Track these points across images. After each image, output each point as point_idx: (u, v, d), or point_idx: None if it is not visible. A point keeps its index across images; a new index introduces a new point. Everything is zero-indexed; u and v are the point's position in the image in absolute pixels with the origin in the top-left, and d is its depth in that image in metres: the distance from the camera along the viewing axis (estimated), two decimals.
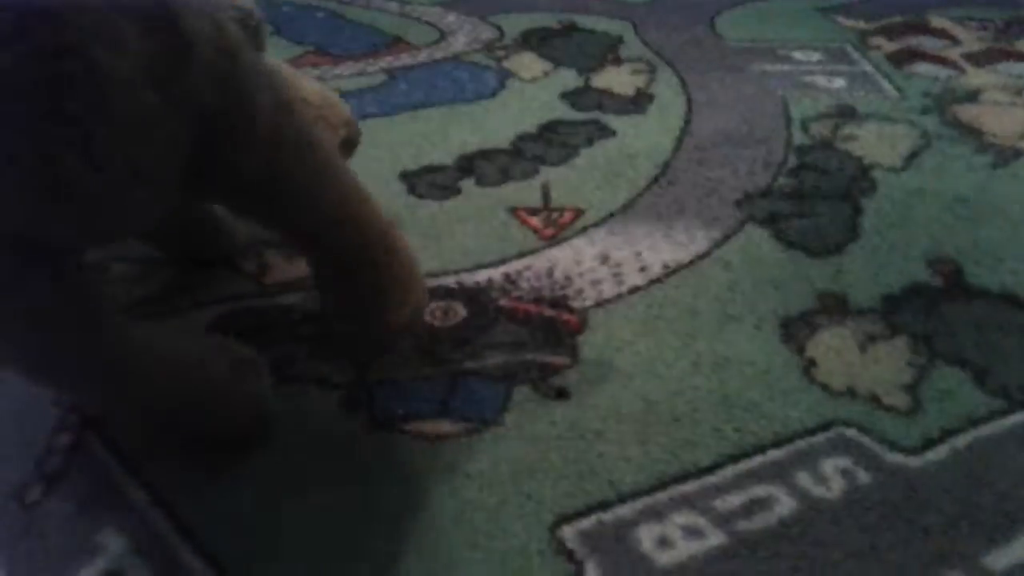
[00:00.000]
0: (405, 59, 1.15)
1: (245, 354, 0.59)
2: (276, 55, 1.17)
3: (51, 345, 0.49)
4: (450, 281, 0.74)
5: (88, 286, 0.50)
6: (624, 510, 0.54)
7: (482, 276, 0.75)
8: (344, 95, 1.04)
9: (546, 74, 1.11)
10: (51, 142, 0.41)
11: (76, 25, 0.40)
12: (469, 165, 0.91)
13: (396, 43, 1.21)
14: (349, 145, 0.75)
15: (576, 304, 0.71)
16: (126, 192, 0.44)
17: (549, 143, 0.95)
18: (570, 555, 0.51)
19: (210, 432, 0.57)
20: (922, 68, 1.13)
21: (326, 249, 0.60)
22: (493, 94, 1.06)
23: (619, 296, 0.72)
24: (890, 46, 1.19)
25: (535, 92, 1.07)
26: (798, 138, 0.96)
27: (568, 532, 0.53)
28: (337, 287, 0.62)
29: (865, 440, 0.59)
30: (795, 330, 0.69)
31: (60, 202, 0.42)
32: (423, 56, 1.16)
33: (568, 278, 0.75)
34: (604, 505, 0.54)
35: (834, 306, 0.71)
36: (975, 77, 1.10)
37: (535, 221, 0.82)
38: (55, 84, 0.40)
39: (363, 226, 0.60)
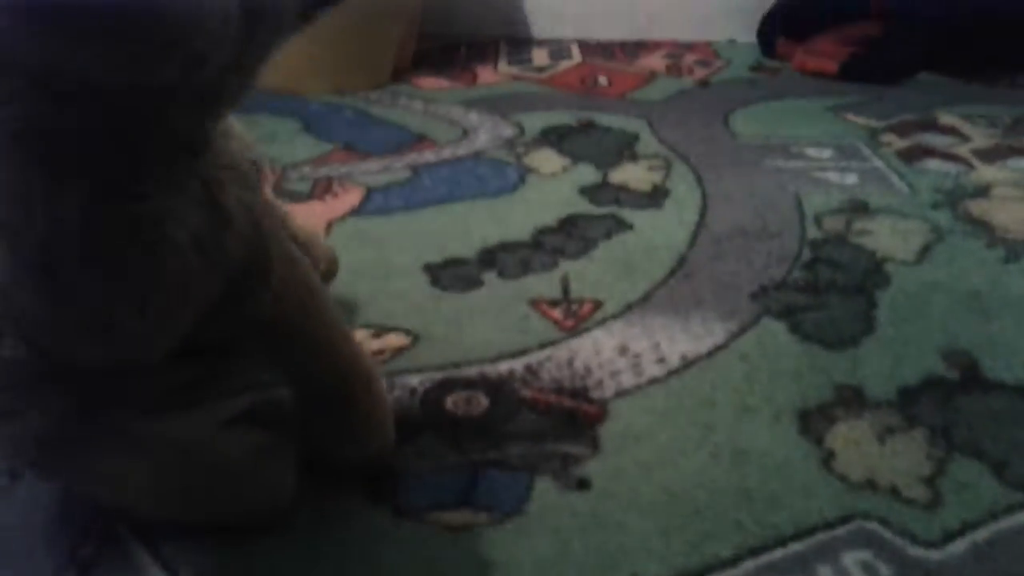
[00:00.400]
0: (429, 156, 1.20)
1: (268, 441, 0.60)
2: (306, 152, 1.21)
3: (62, 455, 0.53)
4: (472, 372, 0.76)
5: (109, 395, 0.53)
6: None
7: (504, 367, 0.76)
8: (371, 190, 1.09)
9: (565, 170, 1.15)
10: (112, 297, 0.46)
11: None
12: (491, 258, 0.94)
13: (420, 141, 1.25)
14: (328, 276, 0.81)
15: (596, 395, 0.73)
16: (160, 338, 0.50)
17: (568, 236, 0.98)
18: None
19: (228, 519, 0.58)
20: (932, 164, 1.16)
21: (311, 380, 0.62)
22: (514, 189, 1.10)
23: (638, 387, 0.74)
24: (900, 143, 1.22)
25: (554, 187, 1.10)
26: (812, 232, 0.98)
27: None
28: (314, 415, 0.63)
29: (886, 533, 0.60)
30: (813, 422, 0.70)
31: (99, 337, 0.48)
32: (446, 153, 1.21)
33: (588, 369, 0.76)
34: None
35: (851, 398, 0.72)
36: (985, 173, 1.13)
37: (555, 313, 0.85)
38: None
39: (348, 362, 0.63)
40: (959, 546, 0.59)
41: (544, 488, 0.63)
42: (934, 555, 0.58)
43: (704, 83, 1.50)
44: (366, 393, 0.63)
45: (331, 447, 0.63)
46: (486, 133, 1.28)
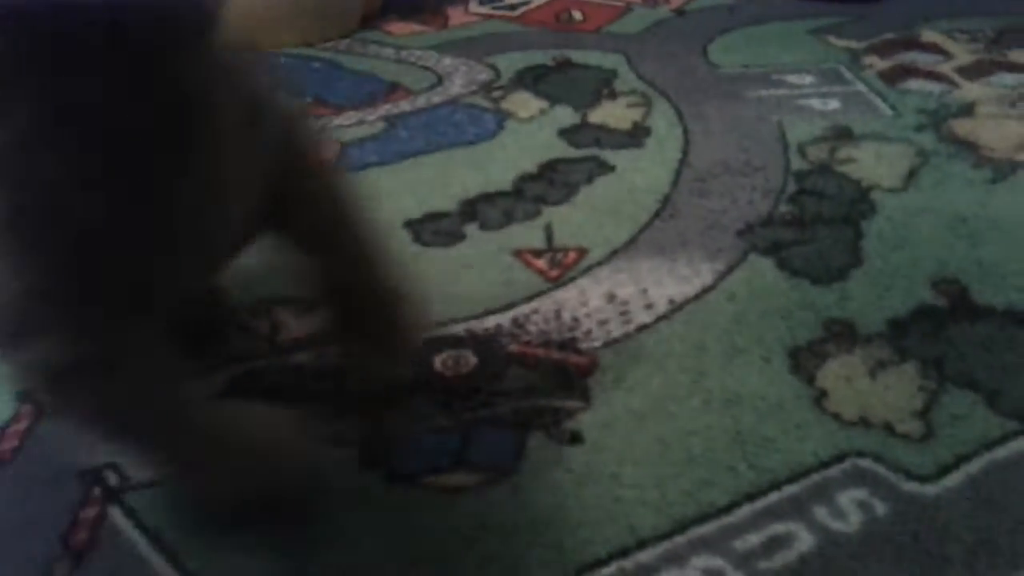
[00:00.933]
0: (404, 106, 1.17)
1: (290, 415, 0.59)
2: None
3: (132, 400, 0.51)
4: (459, 329, 0.75)
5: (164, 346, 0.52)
6: (644, 556, 0.54)
7: (491, 322, 0.75)
8: (345, 146, 1.06)
9: (543, 112, 1.13)
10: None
11: None
12: (472, 210, 0.92)
13: (394, 90, 1.22)
14: None
15: (585, 346, 0.72)
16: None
17: (550, 183, 0.96)
18: None
19: (278, 498, 0.57)
20: (915, 85, 1.14)
21: (346, 294, 0.63)
22: (492, 136, 1.08)
23: (627, 335, 0.73)
24: (882, 64, 1.20)
25: (533, 131, 1.08)
26: (796, 163, 0.97)
27: None
28: (347, 328, 0.64)
29: (880, 470, 0.60)
30: (804, 360, 0.69)
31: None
32: (421, 101, 1.18)
33: (576, 319, 0.75)
34: (624, 552, 0.55)
35: (841, 333, 0.72)
36: (969, 91, 1.11)
37: (540, 263, 0.83)
38: None
39: (383, 278, 0.64)
40: (954, 479, 0.59)
41: (537, 444, 0.63)
42: (929, 489, 0.58)
43: (681, 12, 1.47)
44: (399, 311, 0.64)
45: (359, 363, 0.63)
46: (461, 78, 1.24)
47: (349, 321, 0.65)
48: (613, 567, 0.54)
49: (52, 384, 0.50)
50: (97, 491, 0.60)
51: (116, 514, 0.59)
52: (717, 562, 0.54)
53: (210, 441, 0.54)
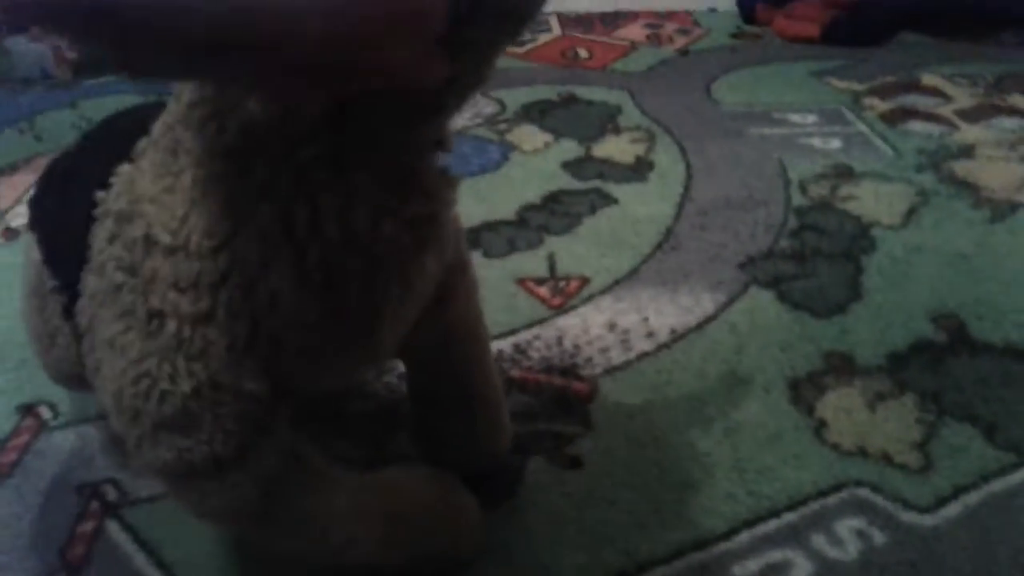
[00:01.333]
0: None
1: (445, 475, 0.57)
2: None
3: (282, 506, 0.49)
4: None
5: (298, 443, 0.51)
6: None
7: (493, 348, 0.76)
8: None
9: (547, 145, 1.14)
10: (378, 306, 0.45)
11: None
12: (476, 237, 0.93)
13: None
14: None
15: (586, 372, 0.73)
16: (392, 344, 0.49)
17: (552, 213, 0.97)
18: None
19: (435, 561, 0.56)
20: (916, 127, 1.15)
21: (456, 389, 0.61)
22: (497, 167, 1.09)
23: (628, 363, 0.74)
24: (883, 106, 1.21)
25: (537, 163, 1.09)
26: (797, 199, 0.98)
27: None
28: (448, 421, 0.62)
29: (878, 500, 0.60)
30: (803, 391, 0.70)
31: (357, 345, 0.47)
32: None
33: (577, 346, 0.76)
34: None
35: (841, 366, 0.72)
36: (968, 133, 1.12)
37: (542, 291, 0.84)
38: None
39: (489, 371, 0.62)
40: (952, 510, 0.59)
41: (537, 468, 0.63)
42: (927, 520, 0.58)
43: (685, 52, 1.49)
44: (498, 402, 0.62)
45: (451, 453, 0.61)
46: (467, 110, 1.26)
47: (449, 413, 0.62)
48: None
49: (185, 480, 0.47)
50: (95, 505, 0.60)
51: (114, 529, 0.59)
52: None
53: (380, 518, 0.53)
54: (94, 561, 0.56)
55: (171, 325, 0.43)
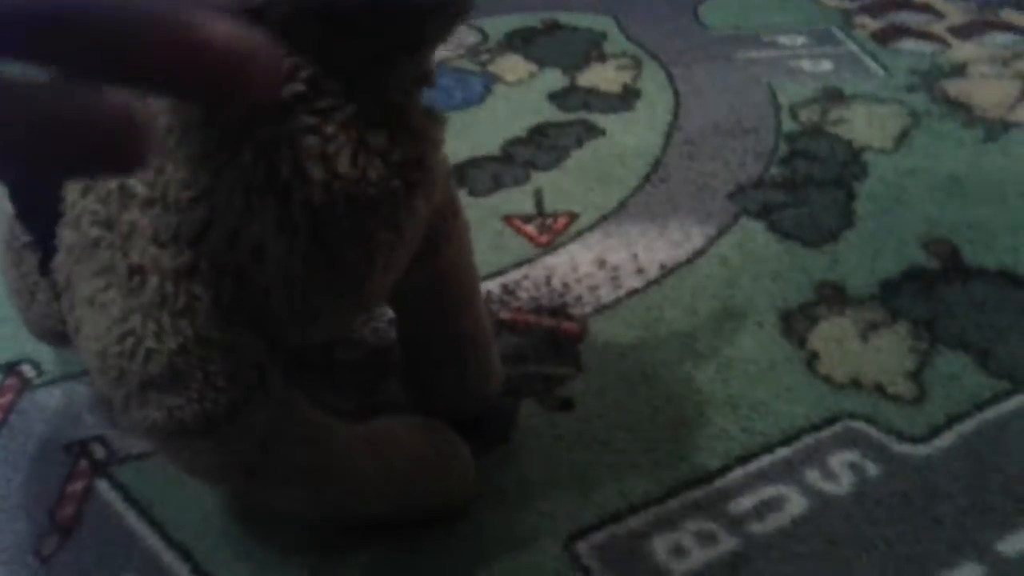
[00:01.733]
0: None
1: (436, 423, 0.57)
2: None
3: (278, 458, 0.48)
4: None
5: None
6: (637, 521, 0.54)
7: (481, 289, 0.74)
8: None
9: (532, 76, 1.11)
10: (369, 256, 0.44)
11: None
12: (461, 175, 0.91)
13: None
14: None
15: (576, 311, 0.72)
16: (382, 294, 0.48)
17: (539, 147, 0.95)
18: (586, 571, 0.52)
19: (429, 509, 0.55)
20: (908, 45, 1.12)
21: (446, 335, 0.60)
22: (480, 100, 1.06)
23: (618, 301, 0.73)
24: (874, 24, 1.18)
25: (521, 95, 1.06)
26: (787, 125, 0.95)
27: (583, 547, 0.53)
28: (438, 368, 0.61)
29: (872, 431, 0.60)
30: (796, 323, 0.69)
31: (347, 298, 0.45)
32: None
33: (566, 285, 0.75)
34: (616, 517, 0.55)
35: (833, 296, 0.71)
36: (961, 50, 1.10)
37: (530, 229, 0.82)
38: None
39: (479, 317, 0.61)
40: (946, 439, 0.59)
41: (529, 411, 0.63)
42: (921, 450, 0.58)
43: None
44: (488, 344, 0.61)
45: (443, 399, 0.60)
46: (448, 41, 1.22)
47: (438, 359, 0.60)
48: (605, 532, 0.54)
49: (176, 439, 0.46)
50: (84, 464, 0.60)
51: (104, 488, 0.58)
52: (709, 525, 0.54)
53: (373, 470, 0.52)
54: (85, 521, 0.56)
55: (153, 281, 0.42)
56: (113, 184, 0.42)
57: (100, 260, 0.43)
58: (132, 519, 0.56)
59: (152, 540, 0.55)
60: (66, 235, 0.45)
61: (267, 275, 0.42)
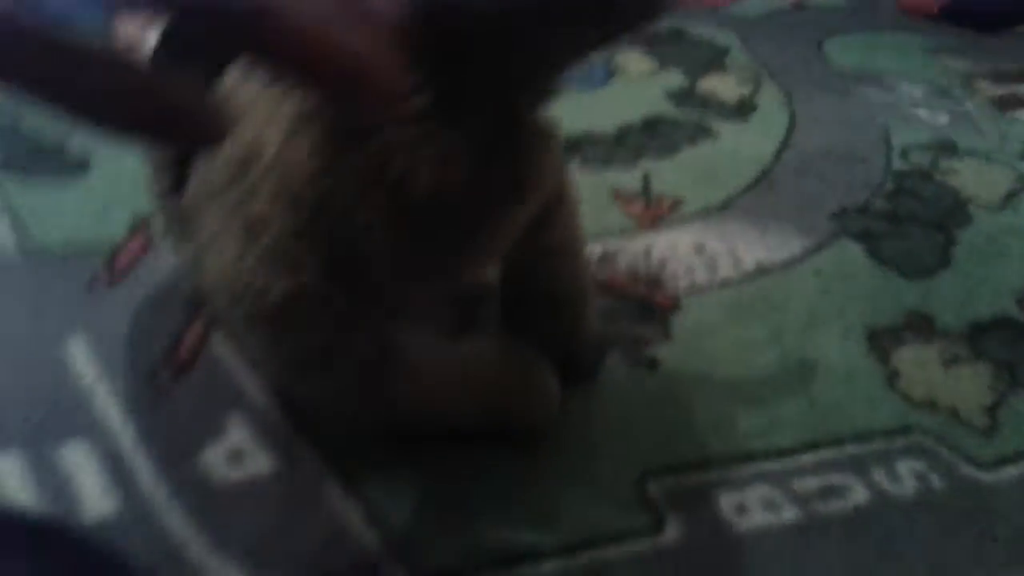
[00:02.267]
0: None
1: (528, 349, 0.60)
2: None
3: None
4: None
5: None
6: (706, 475, 0.57)
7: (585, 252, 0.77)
8: None
9: (653, 73, 1.14)
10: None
11: None
12: (574, 146, 0.94)
13: None
14: None
15: (670, 286, 0.74)
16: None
17: (651, 137, 0.98)
18: (654, 508, 0.54)
19: (510, 425, 0.58)
20: None
21: (556, 290, 0.63)
22: (601, 86, 1.09)
23: (711, 285, 0.75)
24: (994, 90, 1.19)
25: (641, 89, 1.09)
26: (897, 164, 0.97)
27: (653, 488, 0.56)
28: (546, 318, 0.64)
29: (942, 450, 0.61)
30: (881, 341, 0.71)
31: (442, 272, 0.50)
32: None
33: (663, 261, 0.77)
34: (689, 467, 0.57)
35: (921, 325, 0.73)
36: None
37: (635, 207, 0.85)
38: None
39: (583, 273, 0.64)
40: (1010, 472, 0.60)
41: (614, 363, 0.65)
42: (986, 476, 0.60)
43: (799, 6, 1.47)
44: (584, 307, 0.64)
45: (548, 345, 0.62)
46: None
47: (547, 311, 0.63)
48: (675, 478, 0.56)
49: (304, 372, 0.50)
50: (201, 318, 0.64)
51: (217, 339, 0.62)
52: (775, 494, 0.56)
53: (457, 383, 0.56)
54: (198, 364, 0.60)
55: (269, 235, 0.45)
56: (249, 136, 0.46)
57: (225, 203, 0.47)
58: (239, 372, 0.60)
59: (256, 393, 0.58)
60: (201, 168, 0.49)
61: (375, 250, 0.45)
